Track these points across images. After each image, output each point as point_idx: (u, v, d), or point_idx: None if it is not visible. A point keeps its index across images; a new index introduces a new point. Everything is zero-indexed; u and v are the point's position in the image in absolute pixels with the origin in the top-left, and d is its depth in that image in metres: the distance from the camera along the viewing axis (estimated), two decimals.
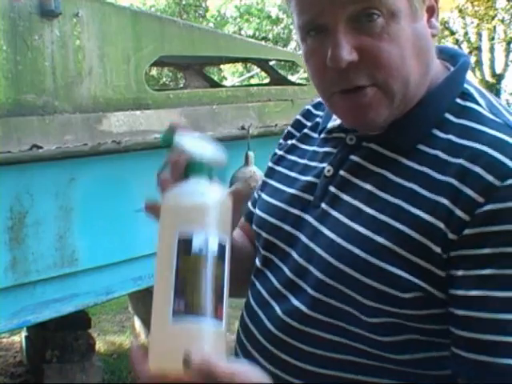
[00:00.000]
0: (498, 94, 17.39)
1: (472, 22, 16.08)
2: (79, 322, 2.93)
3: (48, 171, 2.04)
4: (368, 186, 0.75)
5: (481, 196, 0.65)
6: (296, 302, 0.77)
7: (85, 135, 2.07)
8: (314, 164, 0.85)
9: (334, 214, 0.76)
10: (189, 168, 0.67)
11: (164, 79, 13.65)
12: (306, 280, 0.76)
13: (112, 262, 2.34)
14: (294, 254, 0.80)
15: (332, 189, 0.79)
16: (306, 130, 0.92)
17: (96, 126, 2.11)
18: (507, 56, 16.84)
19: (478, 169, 0.66)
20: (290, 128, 0.96)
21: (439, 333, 0.70)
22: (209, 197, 0.63)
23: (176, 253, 0.58)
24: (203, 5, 15.99)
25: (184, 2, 15.34)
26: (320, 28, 0.71)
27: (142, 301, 3.51)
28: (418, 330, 0.70)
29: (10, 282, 2.05)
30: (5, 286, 2.04)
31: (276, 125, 2.74)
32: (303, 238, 0.79)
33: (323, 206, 0.79)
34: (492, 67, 16.93)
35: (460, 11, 15.23)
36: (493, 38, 16.30)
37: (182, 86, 4.90)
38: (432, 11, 0.75)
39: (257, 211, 0.90)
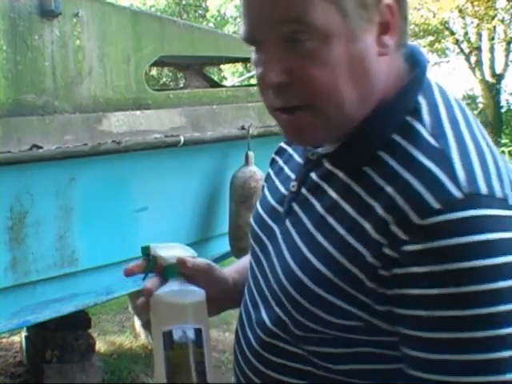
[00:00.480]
0: (498, 93, 17.39)
1: (472, 22, 16.07)
2: (79, 322, 2.93)
3: (48, 171, 2.04)
4: (320, 209, 0.74)
5: (405, 234, 0.63)
6: (264, 314, 0.79)
7: (85, 135, 2.07)
8: (288, 173, 0.85)
9: (294, 234, 0.77)
10: (165, 273, 0.82)
11: (164, 79, 13.64)
12: (272, 295, 0.78)
13: (112, 261, 2.34)
14: (266, 267, 0.81)
15: (295, 206, 0.78)
16: None
17: (96, 126, 2.11)
18: (507, 56, 16.84)
19: (402, 203, 0.63)
20: None
21: (389, 346, 0.69)
22: (182, 296, 0.79)
23: (162, 345, 0.75)
24: (203, 5, 15.99)
25: (184, 2, 15.33)
26: (257, 43, 0.70)
27: None
28: (367, 342, 0.70)
29: (10, 282, 2.05)
30: (5, 285, 2.04)
31: (276, 125, 2.74)
32: (272, 252, 0.81)
33: (287, 222, 0.79)
34: (492, 67, 16.92)
35: (460, 11, 15.22)
36: (493, 38, 16.30)
37: (182, 86, 4.90)
38: (385, 28, 0.68)
39: (251, 217, 0.91)
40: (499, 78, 16.75)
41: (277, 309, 0.76)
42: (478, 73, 16.74)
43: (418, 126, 0.68)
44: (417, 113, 0.69)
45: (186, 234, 2.61)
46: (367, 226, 0.66)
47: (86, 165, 2.14)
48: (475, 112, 19.24)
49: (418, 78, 0.73)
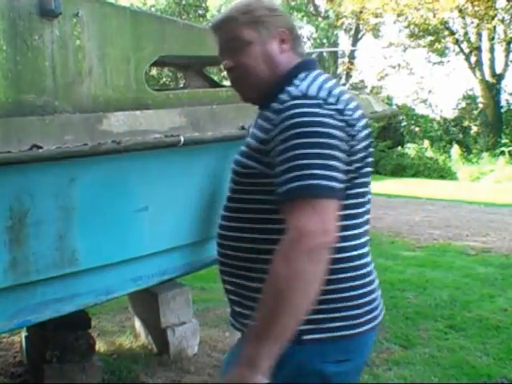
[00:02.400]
0: (498, 93, 17.36)
1: (472, 22, 16.06)
2: (79, 321, 2.93)
3: (48, 171, 2.04)
4: (255, 130, 1.43)
5: (275, 128, 1.32)
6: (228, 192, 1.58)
7: (85, 135, 2.07)
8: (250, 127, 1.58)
9: (245, 147, 1.47)
10: None
11: (164, 79, 13.64)
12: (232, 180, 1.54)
13: (112, 261, 2.34)
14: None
15: (248, 138, 1.47)
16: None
17: (96, 126, 2.11)
18: (507, 56, 16.83)
19: (274, 116, 1.33)
20: None
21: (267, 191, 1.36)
22: None
23: None
24: (203, 5, 15.99)
25: (184, 2, 15.33)
26: (221, 55, 1.54)
27: (142, 301, 3.51)
28: (262, 192, 1.40)
29: (10, 282, 2.05)
30: (5, 285, 2.04)
31: None
32: None
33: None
34: (492, 67, 16.91)
35: (460, 11, 15.21)
36: (493, 38, 16.29)
37: (182, 85, 4.90)
38: (282, 41, 1.46)
39: None
40: (499, 77, 16.74)
41: (231, 183, 1.55)
42: (478, 73, 16.73)
43: (291, 88, 1.36)
44: (292, 83, 1.38)
45: (185, 233, 2.61)
46: (268, 127, 1.35)
47: (85, 165, 2.13)
48: (475, 112, 19.22)
49: (297, 68, 1.43)
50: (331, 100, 1.30)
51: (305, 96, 1.30)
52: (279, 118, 1.29)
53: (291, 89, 1.34)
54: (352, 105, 1.35)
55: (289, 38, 1.45)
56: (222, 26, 1.48)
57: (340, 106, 1.30)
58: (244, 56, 1.43)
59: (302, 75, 1.39)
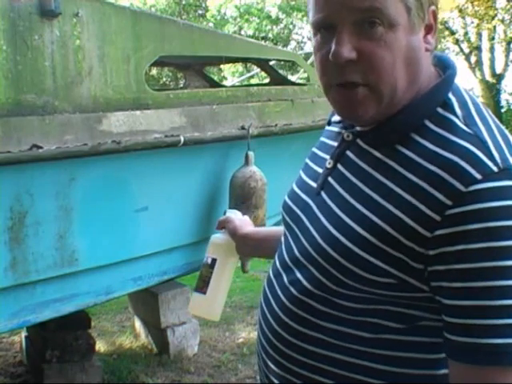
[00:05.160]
0: (498, 93, 17.36)
1: (472, 22, 16.05)
2: (79, 321, 2.93)
3: (48, 171, 2.04)
4: (356, 181, 0.87)
5: (449, 199, 0.75)
6: (299, 275, 0.91)
7: (85, 135, 2.07)
8: (322, 155, 0.99)
9: (330, 203, 0.89)
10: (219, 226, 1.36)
11: (164, 79, 13.65)
12: (307, 257, 0.90)
13: (112, 261, 2.34)
14: (299, 234, 0.94)
15: (330, 180, 0.92)
16: (327, 126, 1.06)
17: (96, 126, 2.11)
18: (507, 56, 16.82)
19: (446, 176, 0.76)
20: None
21: (411, 305, 0.82)
22: (218, 240, 1.30)
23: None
24: (203, 5, 15.99)
25: (184, 2, 15.33)
26: (329, 26, 0.82)
27: (142, 301, 3.51)
28: (391, 303, 0.83)
29: (10, 282, 2.05)
30: (5, 285, 2.04)
31: (276, 125, 2.74)
32: (306, 222, 0.93)
33: (323, 194, 0.92)
34: (492, 67, 16.90)
35: (460, 11, 15.21)
36: (493, 38, 16.28)
37: (182, 86, 4.91)
38: (430, 29, 0.85)
39: (285, 196, 1.06)
40: (499, 77, 16.74)
41: (312, 269, 0.88)
42: (478, 73, 16.72)
43: (452, 117, 0.82)
44: (449, 106, 0.83)
45: (186, 234, 2.61)
46: (403, 193, 0.79)
47: (86, 165, 2.14)
48: None
49: (449, 79, 0.87)
50: None
51: (504, 173, 0.75)
52: (458, 207, 0.74)
53: (474, 150, 0.77)
54: None
55: (435, 26, 0.86)
56: None
57: None
58: (381, 45, 0.80)
59: (453, 100, 0.84)
